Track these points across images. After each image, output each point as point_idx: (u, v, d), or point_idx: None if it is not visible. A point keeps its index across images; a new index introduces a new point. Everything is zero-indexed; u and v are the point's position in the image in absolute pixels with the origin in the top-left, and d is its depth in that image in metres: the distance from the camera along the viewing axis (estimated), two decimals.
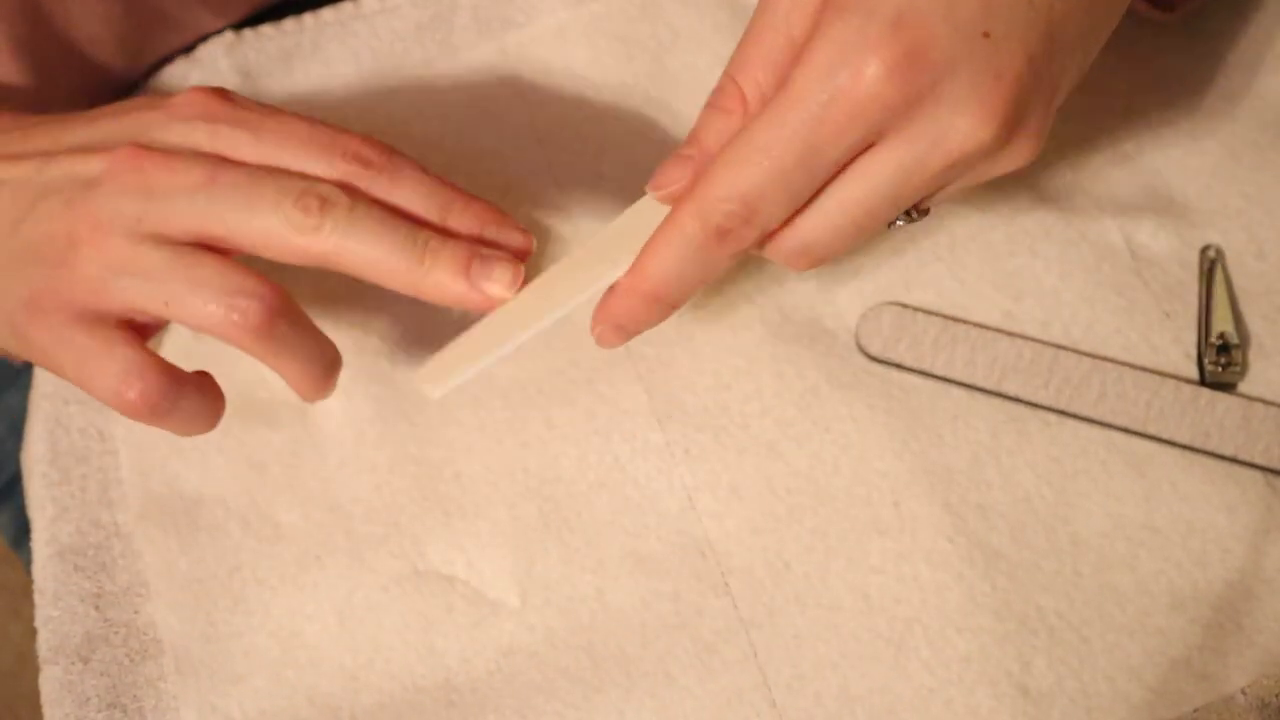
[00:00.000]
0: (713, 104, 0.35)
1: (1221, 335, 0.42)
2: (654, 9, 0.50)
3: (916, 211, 0.35)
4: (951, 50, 0.30)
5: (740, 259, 0.34)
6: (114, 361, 0.34)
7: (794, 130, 0.31)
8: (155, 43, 0.50)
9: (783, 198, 0.32)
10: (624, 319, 0.35)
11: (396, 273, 0.35)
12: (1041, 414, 0.42)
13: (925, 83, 0.30)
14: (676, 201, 0.34)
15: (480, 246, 0.36)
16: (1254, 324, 0.43)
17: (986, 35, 0.30)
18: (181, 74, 0.51)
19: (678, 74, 0.49)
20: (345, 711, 0.40)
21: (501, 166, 0.47)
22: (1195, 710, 0.38)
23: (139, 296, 0.34)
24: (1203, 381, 0.42)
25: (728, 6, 0.50)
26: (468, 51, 0.50)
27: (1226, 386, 0.42)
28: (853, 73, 0.30)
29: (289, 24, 0.51)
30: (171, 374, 0.34)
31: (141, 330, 0.36)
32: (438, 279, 0.35)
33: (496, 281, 0.35)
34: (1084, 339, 0.43)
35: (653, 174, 0.35)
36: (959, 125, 0.31)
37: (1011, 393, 0.42)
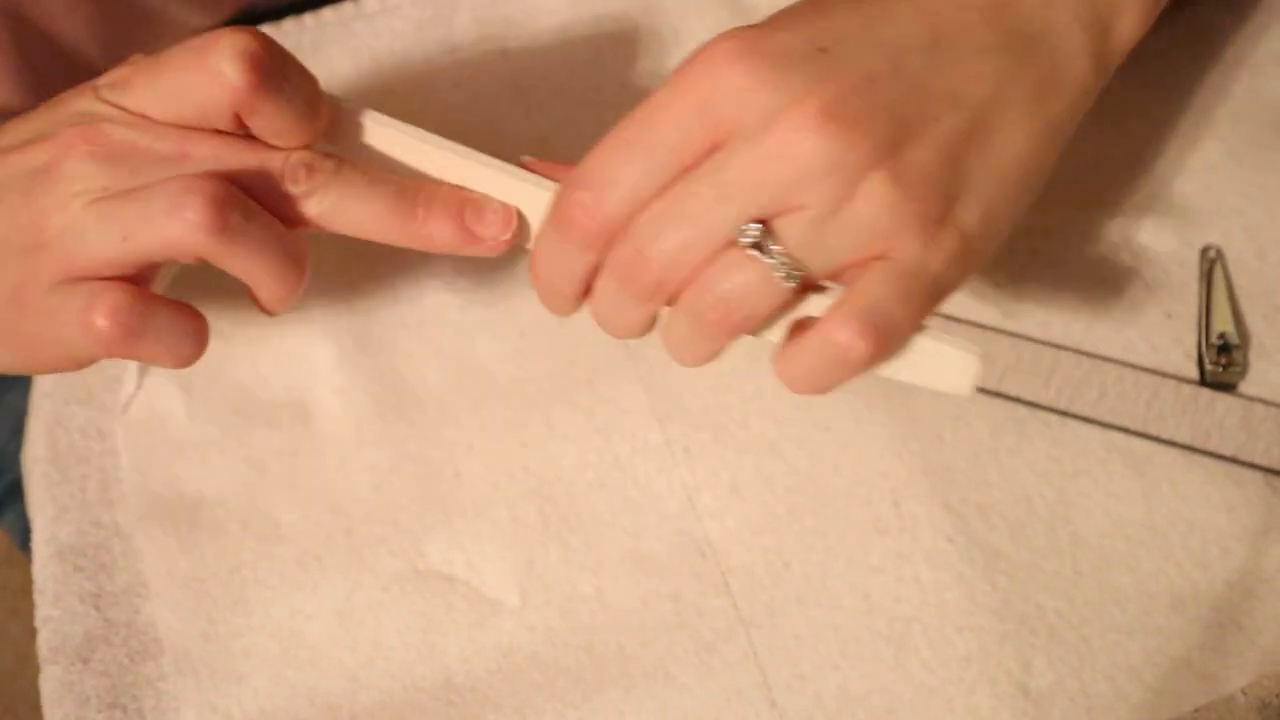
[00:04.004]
0: None
1: (1222, 335, 0.42)
2: (654, 9, 0.50)
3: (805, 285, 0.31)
4: (789, 51, 0.30)
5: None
6: (76, 297, 0.33)
7: (638, 112, 0.31)
8: (139, 42, 0.50)
9: (624, 185, 0.31)
10: (540, 297, 0.35)
11: (392, 228, 0.35)
12: (1041, 414, 0.42)
13: (770, 74, 0.30)
14: None
15: (469, 192, 0.36)
16: (1254, 324, 0.43)
17: (823, 50, 0.30)
18: None
19: None
20: (345, 711, 0.40)
21: None
22: (1195, 710, 0.38)
23: (98, 243, 0.33)
24: (1203, 381, 0.42)
25: (728, 6, 0.50)
26: (468, 51, 0.50)
27: (1227, 386, 0.42)
28: (697, 62, 0.30)
29: (289, 24, 0.51)
30: (138, 292, 0.33)
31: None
32: (433, 229, 0.35)
33: (490, 225, 0.35)
34: (1084, 339, 0.43)
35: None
36: (782, 131, 0.30)
37: (1011, 393, 0.42)
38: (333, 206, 0.34)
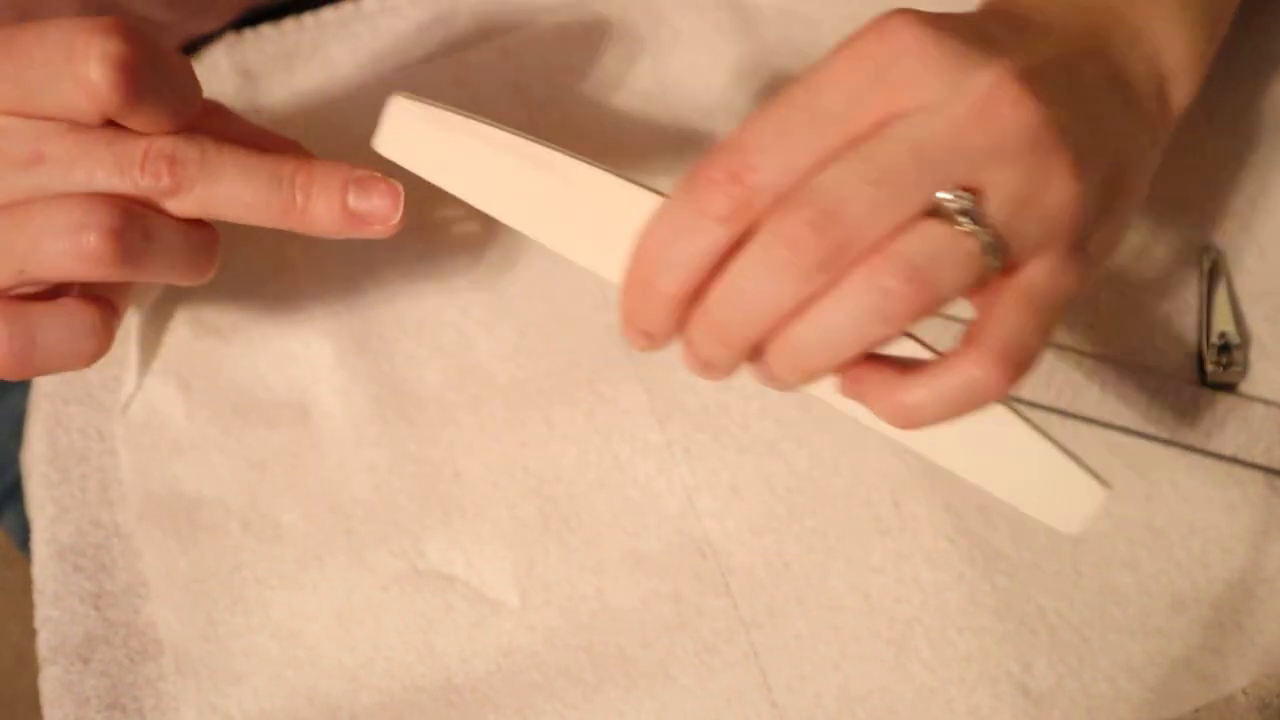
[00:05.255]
0: None
1: (1222, 335, 0.42)
2: (654, 9, 0.50)
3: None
4: (964, 31, 0.28)
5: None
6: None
7: (802, 78, 0.28)
8: None
9: (779, 151, 0.27)
10: (626, 314, 0.31)
11: (270, 213, 0.33)
12: (1041, 414, 0.42)
13: (955, 45, 0.27)
14: None
15: (353, 169, 0.34)
16: (1254, 324, 0.43)
17: (991, 41, 0.28)
18: None
19: (678, 74, 0.49)
20: (345, 711, 0.40)
21: None
22: (1196, 710, 0.38)
23: None
24: (1203, 382, 0.42)
25: (728, 6, 0.50)
26: (468, 51, 0.50)
27: (1227, 387, 0.42)
28: (871, 30, 0.27)
29: (289, 24, 0.51)
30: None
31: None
32: (314, 213, 0.33)
33: (378, 205, 0.33)
34: (1084, 339, 0.43)
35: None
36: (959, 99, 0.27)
37: (1012, 393, 0.42)
38: (200, 199, 0.32)
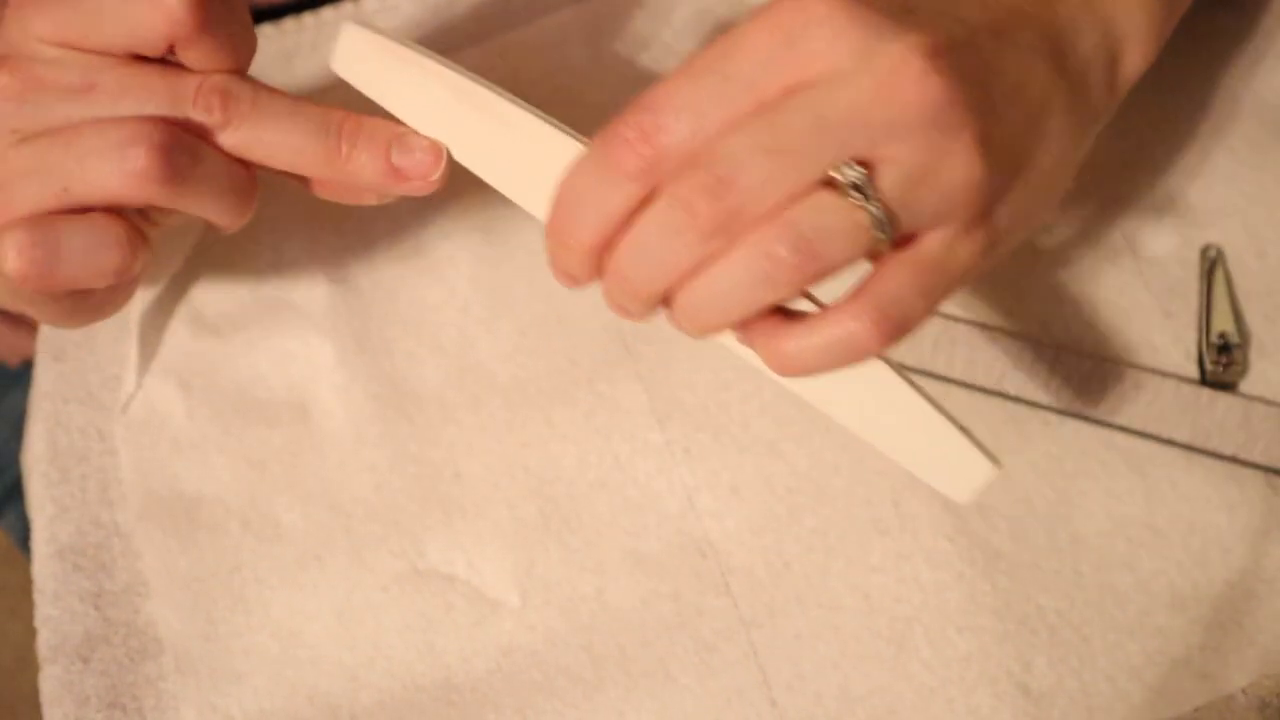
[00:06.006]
0: None
1: (1222, 334, 0.42)
2: (654, 9, 0.50)
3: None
4: (880, 1, 0.28)
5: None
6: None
7: (714, 43, 0.28)
8: None
9: (688, 114, 0.28)
10: (550, 256, 0.32)
11: (313, 160, 0.33)
12: (1041, 414, 0.42)
13: (867, 16, 0.28)
14: None
15: (399, 127, 0.34)
16: (1254, 323, 0.43)
17: (910, 11, 0.29)
18: None
19: None
20: (345, 710, 0.40)
21: None
22: (1196, 709, 0.38)
23: (37, 195, 0.32)
24: (1203, 381, 0.42)
25: (727, 5, 0.50)
26: (468, 51, 0.50)
27: (1227, 386, 0.42)
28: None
29: (289, 24, 0.51)
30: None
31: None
32: (357, 163, 0.33)
33: (419, 162, 0.34)
34: (1084, 339, 0.43)
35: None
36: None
37: (1012, 393, 0.42)
38: (249, 137, 0.33)
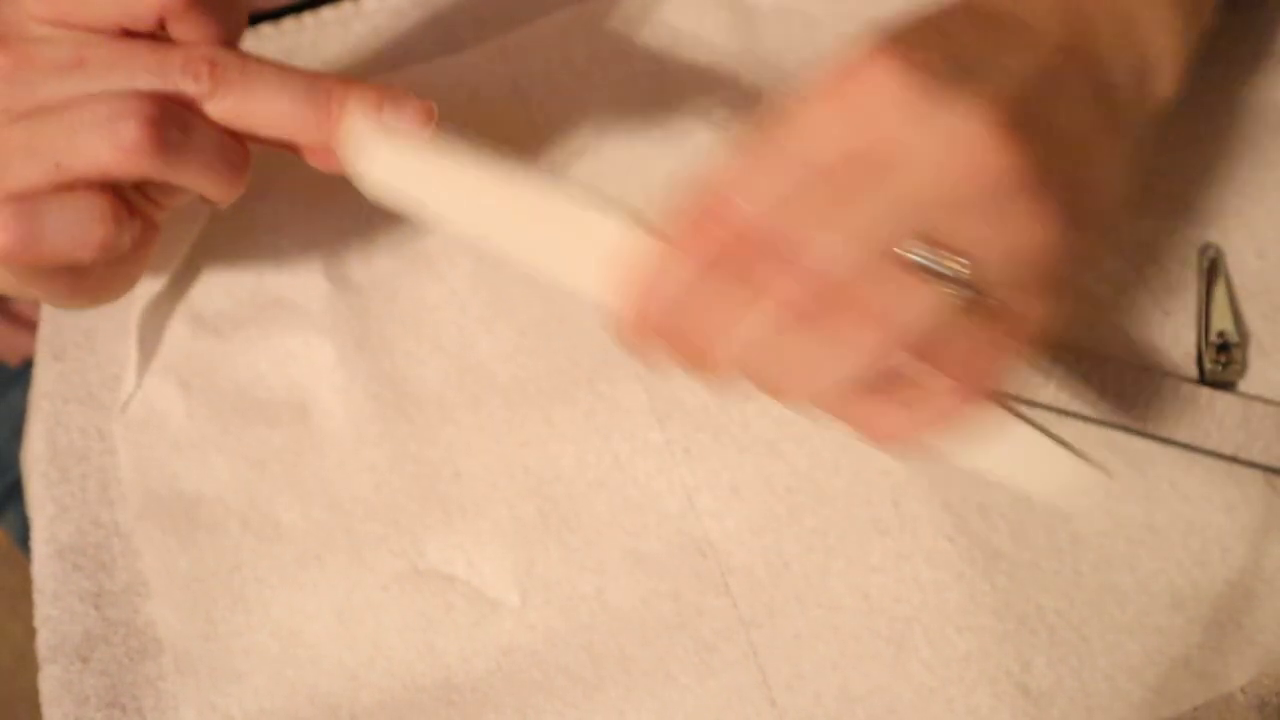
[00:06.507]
0: None
1: (1221, 334, 0.42)
2: (654, 9, 0.50)
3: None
4: (940, 68, 0.28)
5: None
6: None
7: (779, 120, 0.28)
8: None
9: (761, 195, 0.28)
10: (626, 345, 0.32)
11: (306, 124, 0.33)
12: (1042, 414, 0.42)
13: (933, 87, 0.27)
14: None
15: (387, 87, 0.34)
16: (1254, 323, 0.43)
17: (969, 71, 0.28)
18: None
19: (678, 74, 0.49)
20: (345, 710, 0.40)
21: None
22: (1195, 709, 0.38)
23: (29, 172, 0.32)
24: (1202, 380, 0.42)
25: (728, 6, 0.50)
26: (468, 51, 0.50)
27: (1226, 385, 0.42)
28: (847, 70, 0.28)
29: (289, 24, 0.51)
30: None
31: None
32: (350, 124, 0.33)
33: (412, 120, 0.33)
34: (1083, 339, 0.43)
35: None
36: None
37: (1012, 392, 0.42)
38: (238, 106, 0.32)
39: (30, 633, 0.41)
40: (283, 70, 0.33)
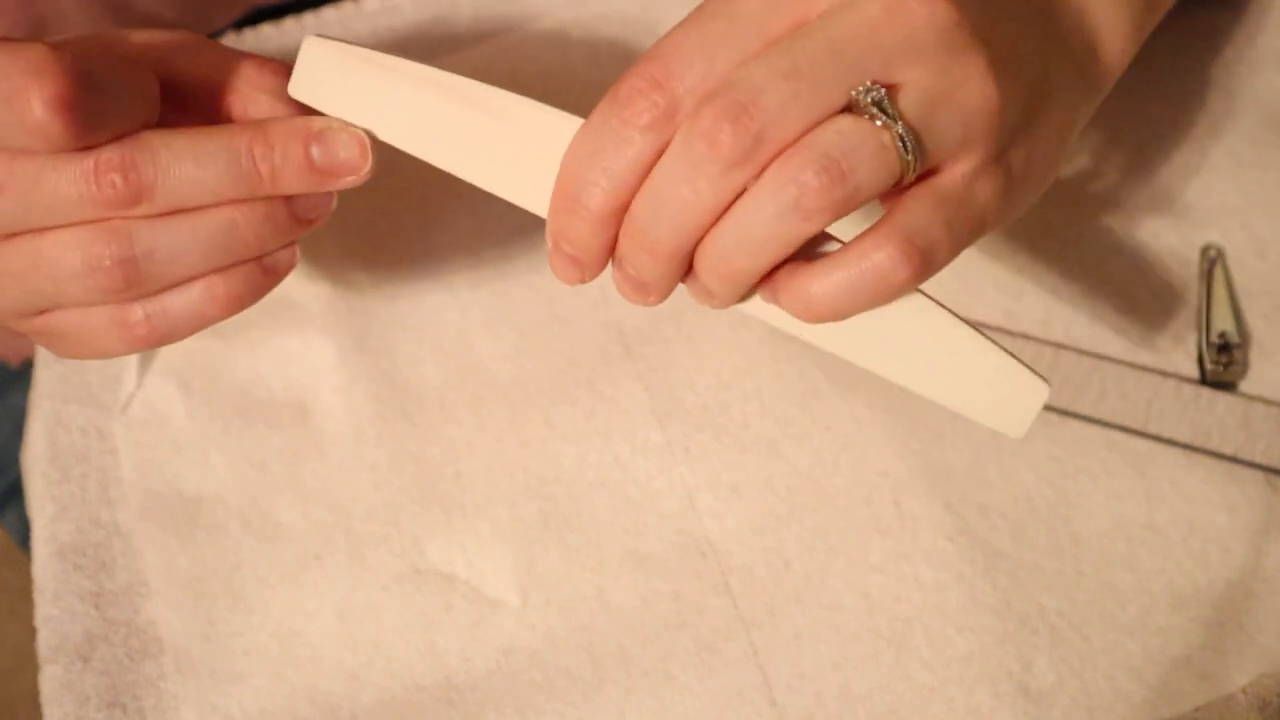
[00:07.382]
0: None
1: (1222, 334, 0.42)
2: (654, 9, 0.50)
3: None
4: None
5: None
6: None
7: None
8: None
9: (700, 56, 0.27)
10: (554, 238, 0.30)
11: (239, 191, 0.31)
12: (1042, 414, 0.42)
13: None
14: None
15: (311, 122, 0.32)
16: (1254, 323, 0.43)
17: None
18: None
19: None
20: (345, 710, 0.40)
21: None
22: (1196, 709, 0.38)
23: (13, 306, 0.32)
24: (1203, 381, 0.42)
25: None
26: (468, 51, 0.50)
27: (1227, 385, 0.42)
28: None
29: (289, 24, 0.51)
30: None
31: None
32: (283, 179, 0.32)
33: (345, 158, 0.32)
34: (1084, 339, 0.43)
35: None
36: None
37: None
38: (169, 197, 0.31)
39: (30, 633, 0.41)
40: (198, 143, 0.31)
